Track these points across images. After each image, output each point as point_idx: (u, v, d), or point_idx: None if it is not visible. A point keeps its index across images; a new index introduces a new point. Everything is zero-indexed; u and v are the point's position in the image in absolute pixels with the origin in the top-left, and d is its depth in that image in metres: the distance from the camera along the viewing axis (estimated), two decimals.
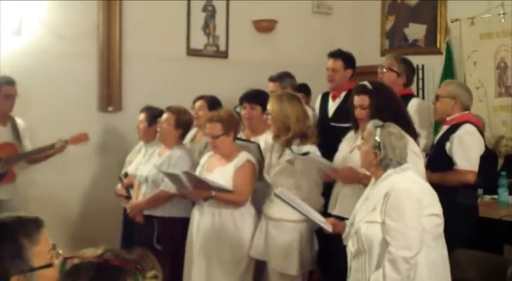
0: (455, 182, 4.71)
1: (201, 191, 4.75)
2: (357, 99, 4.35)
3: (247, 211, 4.82)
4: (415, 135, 4.19)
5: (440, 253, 3.57)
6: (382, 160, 3.49)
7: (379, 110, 4.13)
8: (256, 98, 5.26)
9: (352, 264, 3.59)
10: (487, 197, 5.72)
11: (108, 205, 6.20)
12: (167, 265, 4.59)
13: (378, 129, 3.53)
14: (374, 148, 3.51)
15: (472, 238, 4.63)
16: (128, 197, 5.58)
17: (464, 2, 6.98)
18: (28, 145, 5.78)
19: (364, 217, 3.47)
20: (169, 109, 5.31)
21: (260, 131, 5.23)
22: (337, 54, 5.63)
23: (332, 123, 5.43)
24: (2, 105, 5.63)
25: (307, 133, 4.62)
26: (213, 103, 5.78)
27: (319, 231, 4.58)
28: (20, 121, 5.78)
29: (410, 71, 5.52)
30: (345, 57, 5.62)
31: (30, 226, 2.03)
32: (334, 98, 5.61)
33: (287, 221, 4.56)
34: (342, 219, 3.97)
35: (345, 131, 4.76)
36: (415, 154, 4.01)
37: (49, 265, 2.02)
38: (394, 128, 3.57)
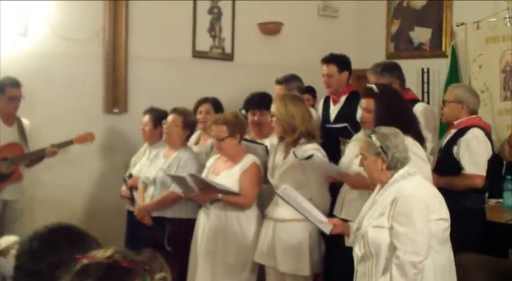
0: (463, 187, 4.71)
1: (208, 193, 4.76)
2: (363, 102, 4.31)
3: (253, 214, 4.82)
4: (421, 140, 4.15)
5: (447, 257, 3.56)
6: (390, 162, 3.47)
7: (385, 114, 4.08)
8: (263, 103, 5.23)
9: (359, 268, 3.58)
10: (492, 201, 5.70)
11: (113, 206, 6.20)
12: (176, 267, 4.60)
13: (373, 136, 3.51)
14: (378, 154, 3.49)
15: (478, 242, 4.62)
16: (131, 199, 5.56)
17: (470, 6, 6.97)
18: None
19: (372, 222, 3.46)
20: (176, 111, 5.28)
21: (266, 135, 5.23)
22: (329, 59, 5.50)
23: (327, 125, 5.34)
24: (6, 107, 5.60)
25: (313, 132, 4.61)
26: (218, 105, 5.81)
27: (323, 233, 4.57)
28: (26, 121, 5.77)
29: (397, 73, 5.24)
30: (338, 61, 5.49)
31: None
32: (334, 102, 5.54)
33: (296, 220, 4.46)
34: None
35: (338, 131, 4.74)
36: (421, 159, 3.98)
37: None
38: (385, 129, 3.57)
